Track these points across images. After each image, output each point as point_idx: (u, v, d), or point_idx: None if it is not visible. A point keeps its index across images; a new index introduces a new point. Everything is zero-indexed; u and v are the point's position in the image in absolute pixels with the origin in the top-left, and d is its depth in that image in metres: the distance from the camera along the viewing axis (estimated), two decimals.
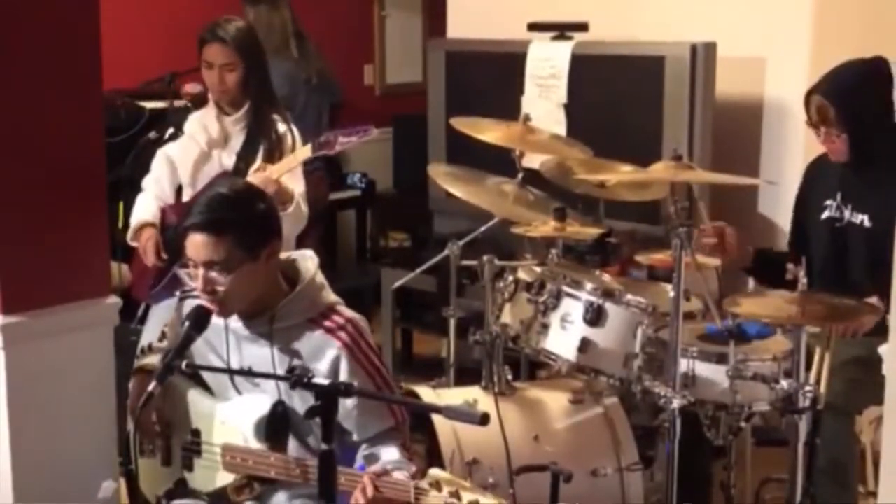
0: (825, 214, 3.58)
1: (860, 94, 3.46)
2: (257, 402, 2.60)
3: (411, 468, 2.48)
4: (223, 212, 2.53)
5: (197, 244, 2.52)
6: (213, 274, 2.52)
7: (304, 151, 3.52)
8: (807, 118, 3.51)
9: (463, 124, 3.61)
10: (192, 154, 3.74)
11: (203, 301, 2.58)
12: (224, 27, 3.69)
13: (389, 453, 2.57)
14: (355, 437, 2.61)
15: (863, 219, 3.49)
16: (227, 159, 3.72)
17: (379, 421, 2.60)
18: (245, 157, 3.68)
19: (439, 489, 2.19)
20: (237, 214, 2.54)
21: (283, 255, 2.70)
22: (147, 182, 3.83)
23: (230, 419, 2.62)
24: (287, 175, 3.57)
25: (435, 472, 2.24)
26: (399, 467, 2.48)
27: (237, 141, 3.72)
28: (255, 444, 2.56)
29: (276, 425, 2.57)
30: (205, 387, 2.76)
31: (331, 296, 2.67)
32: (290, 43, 5.29)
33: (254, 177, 3.47)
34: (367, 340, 2.62)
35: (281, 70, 4.66)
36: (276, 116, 3.74)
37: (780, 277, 3.43)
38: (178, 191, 3.79)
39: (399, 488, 2.29)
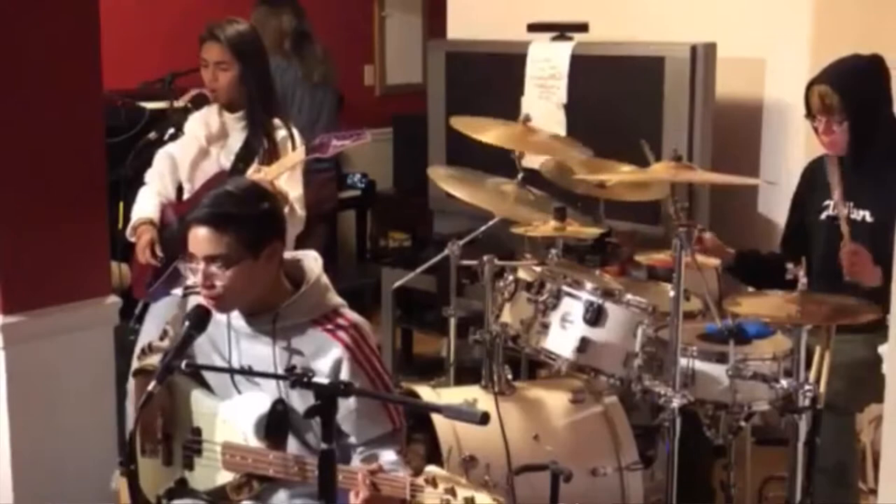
0: (825, 214, 3.58)
1: (863, 81, 3.49)
2: (258, 400, 2.60)
3: (408, 472, 2.47)
4: (227, 207, 2.55)
5: (199, 238, 2.53)
6: (213, 269, 2.53)
7: (299, 154, 3.53)
8: (806, 110, 3.51)
9: (463, 125, 3.62)
10: (191, 151, 3.75)
11: (203, 299, 2.59)
12: (223, 27, 3.70)
13: (386, 456, 2.56)
14: (353, 440, 2.60)
15: (864, 215, 3.49)
16: (225, 159, 3.72)
17: (377, 425, 2.60)
18: (243, 159, 3.68)
19: (435, 486, 2.20)
20: (241, 211, 2.55)
21: (288, 255, 2.70)
22: (150, 175, 3.83)
23: (231, 417, 2.63)
24: (286, 178, 3.56)
25: (431, 469, 2.24)
26: (395, 469, 2.47)
27: (236, 140, 3.73)
28: (254, 443, 2.57)
29: (276, 424, 2.57)
30: (207, 385, 2.77)
31: (335, 298, 2.68)
32: (284, 44, 5.26)
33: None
34: (369, 344, 2.62)
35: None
36: (276, 121, 3.74)
37: (767, 278, 3.43)
38: (179, 189, 3.79)
39: (395, 484, 2.29)
